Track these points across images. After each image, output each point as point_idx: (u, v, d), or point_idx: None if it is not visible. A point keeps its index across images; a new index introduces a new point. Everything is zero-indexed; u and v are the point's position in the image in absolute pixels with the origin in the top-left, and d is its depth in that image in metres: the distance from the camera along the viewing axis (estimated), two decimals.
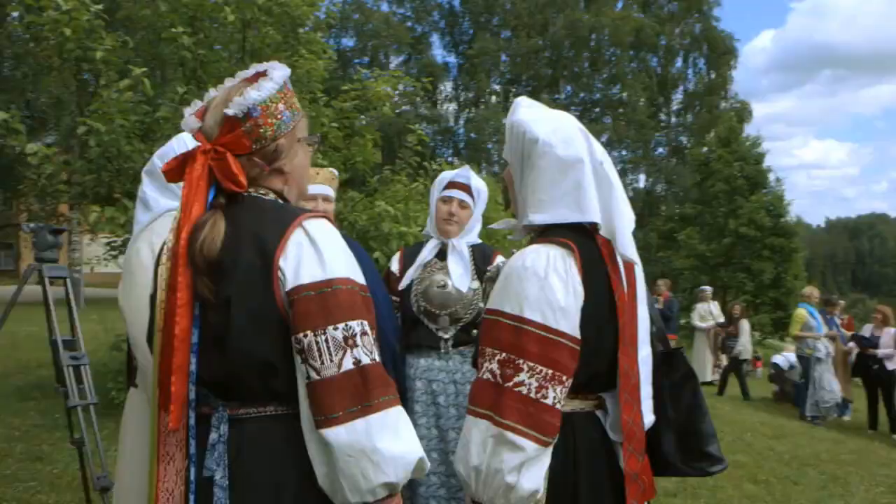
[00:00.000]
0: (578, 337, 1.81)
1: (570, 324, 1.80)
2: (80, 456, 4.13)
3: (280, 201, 1.72)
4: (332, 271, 1.55)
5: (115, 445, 5.57)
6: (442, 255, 3.38)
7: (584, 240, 1.92)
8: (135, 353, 2.13)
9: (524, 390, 1.75)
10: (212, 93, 1.72)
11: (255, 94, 1.60)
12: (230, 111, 1.59)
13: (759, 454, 7.41)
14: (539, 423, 1.74)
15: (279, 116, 1.65)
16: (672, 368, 2.20)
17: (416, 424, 3.19)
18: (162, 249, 1.69)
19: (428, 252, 3.40)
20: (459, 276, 3.27)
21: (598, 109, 42.63)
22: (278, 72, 1.69)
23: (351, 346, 1.50)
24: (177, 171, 1.65)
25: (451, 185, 3.43)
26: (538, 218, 1.97)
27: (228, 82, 1.72)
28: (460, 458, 1.82)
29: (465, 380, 3.20)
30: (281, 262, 1.54)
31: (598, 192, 1.95)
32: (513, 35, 42.14)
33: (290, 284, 1.53)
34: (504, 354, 1.78)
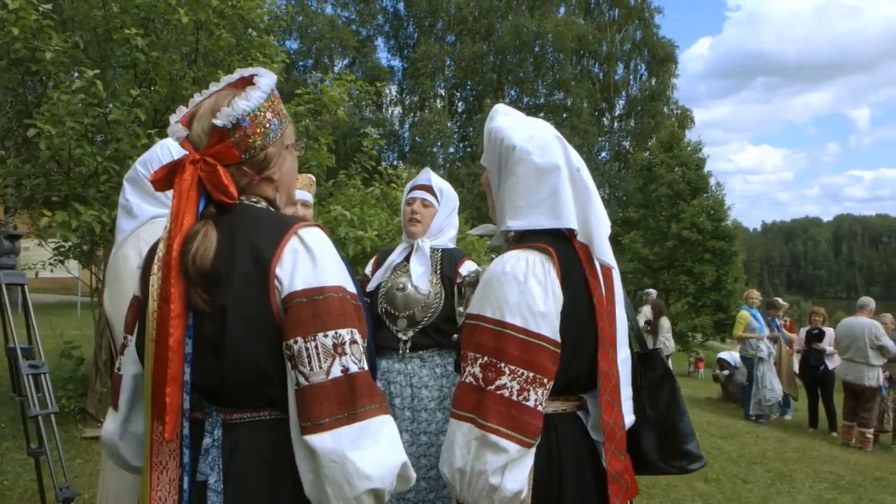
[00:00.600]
0: (558, 340, 1.85)
1: (550, 327, 1.84)
2: (38, 466, 4.04)
3: (272, 209, 1.73)
4: (325, 279, 1.56)
5: (75, 456, 5.49)
6: (410, 257, 3.41)
7: (561, 245, 1.97)
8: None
9: (506, 393, 1.78)
10: (196, 98, 1.72)
11: (243, 105, 1.61)
12: (219, 122, 1.60)
13: (709, 453, 7.58)
14: (521, 424, 1.77)
15: (267, 125, 1.66)
16: (650, 368, 2.27)
17: None
18: (151, 258, 1.67)
19: (396, 255, 3.44)
20: (419, 275, 3.29)
21: (542, 114, 43.01)
22: (265, 79, 1.69)
23: (340, 354, 1.51)
24: (165, 180, 1.65)
25: (413, 188, 3.50)
26: (515, 224, 2.01)
27: (213, 87, 1.73)
28: (445, 460, 1.84)
29: (422, 384, 3.22)
30: (277, 270, 1.55)
31: (575, 199, 2.00)
32: (457, 40, 42.29)
33: (285, 292, 1.54)
34: (486, 358, 1.82)
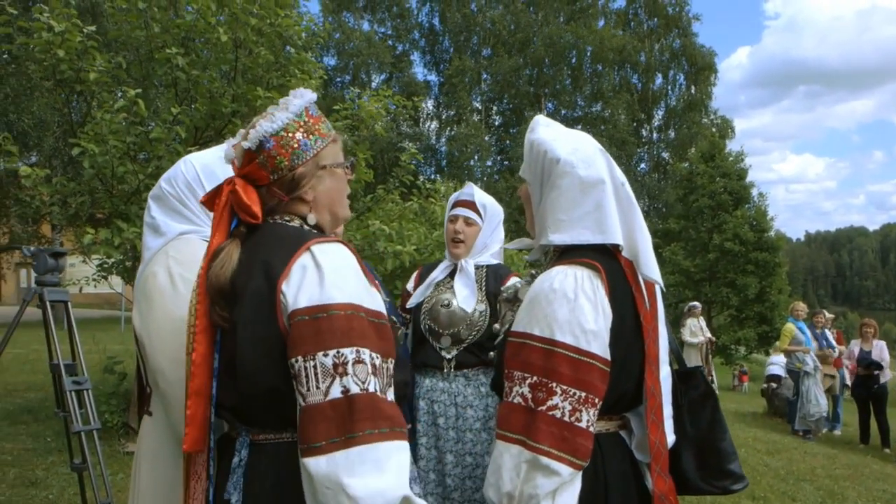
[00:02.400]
0: (609, 358, 1.80)
1: (600, 345, 1.79)
2: (81, 481, 4.08)
3: (304, 227, 1.71)
4: (332, 296, 1.50)
5: (118, 471, 5.54)
6: (454, 274, 3.36)
7: (608, 260, 1.91)
8: (155, 379, 2.09)
9: (558, 414, 1.73)
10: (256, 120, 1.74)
11: (266, 126, 1.63)
12: (245, 144, 1.63)
13: (755, 470, 7.42)
14: (574, 446, 1.72)
15: (296, 146, 1.66)
16: (691, 387, 2.20)
17: (417, 443, 3.18)
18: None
19: (439, 272, 3.39)
20: (465, 297, 3.24)
21: (579, 126, 42.86)
22: (297, 101, 1.70)
23: (340, 375, 1.44)
24: (211, 201, 1.70)
25: (456, 203, 3.43)
26: (558, 238, 1.96)
27: (271, 109, 1.73)
28: (491, 483, 1.79)
29: (467, 403, 3.17)
30: (283, 287, 1.52)
31: (620, 213, 1.95)
32: (493, 53, 42.36)
33: (290, 308, 1.51)
34: (535, 378, 1.76)
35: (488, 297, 3.25)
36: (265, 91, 6.37)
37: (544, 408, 1.74)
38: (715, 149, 30.36)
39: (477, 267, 3.34)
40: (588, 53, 40.49)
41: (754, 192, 29.39)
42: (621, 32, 43.33)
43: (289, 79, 6.92)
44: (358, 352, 1.47)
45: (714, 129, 39.19)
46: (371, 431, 1.43)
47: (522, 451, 1.73)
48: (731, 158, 29.79)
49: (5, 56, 17.05)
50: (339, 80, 39.33)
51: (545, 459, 1.70)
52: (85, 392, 3.70)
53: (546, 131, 2.06)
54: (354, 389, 1.45)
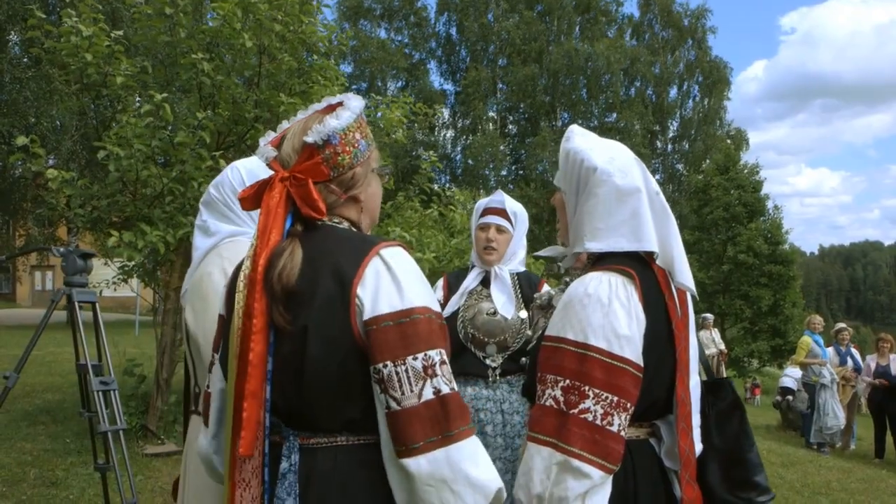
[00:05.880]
0: (642, 364, 1.81)
1: (633, 351, 1.79)
2: (104, 482, 4.11)
3: (354, 230, 1.73)
4: (411, 300, 1.54)
5: (137, 472, 5.57)
6: (486, 282, 3.36)
7: (641, 268, 1.93)
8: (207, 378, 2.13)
9: (590, 417, 1.73)
10: (285, 124, 1.74)
11: (334, 122, 1.62)
12: (310, 138, 1.61)
13: (771, 482, 7.26)
14: (605, 450, 1.72)
15: (356, 145, 1.67)
16: (719, 397, 2.21)
17: None
18: (236, 276, 1.69)
19: (472, 280, 3.39)
20: (503, 304, 3.24)
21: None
22: (355, 102, 1.70)
23: (430, 376, 1.50)
24: (253, 199, 1.66)
25: (486, 211, 3.42)
26: (595, 246, 1.97)
27: (301, 114, 1.74)
28: (521, 485, 1.79)
29: (513, 409, 3.17)
30: (359, 291, 1.54)
31: (655, 222, 1.97)
32: (509, 63, 42.40)
33: (367, 314, 1.52)
34: (568, 381, 1.77)
35: (527, 304, 3.25)
36: (288, 97, 6.41)
37: (576, 411, 1.74)
38: (729, 161, 30.32)
39: (510, 274, 3.35)
40: (603, 64, 40.40)
41: (769, 204, 29.33)
42: (635, 43, 43.32)
43: (311, 85, 6.96)
44: (441, 353, 1.54)
45: (729, 141, 39.08)
46: (463, 428, 1.51)
47: (553, 454, 1.73)
48: (745, 171, 29.74)
49: (25, 60, 17.23)
50: (354, 87, 39.47)
51: (576, 462, 1.70)
52: (112, 392, 3.74)
53: (582, 140, 2.07)
54: (445, 389, 1.52)
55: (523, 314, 3.25)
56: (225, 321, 1.74)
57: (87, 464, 6.00)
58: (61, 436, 6.89)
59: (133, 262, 6.53)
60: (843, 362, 11.34)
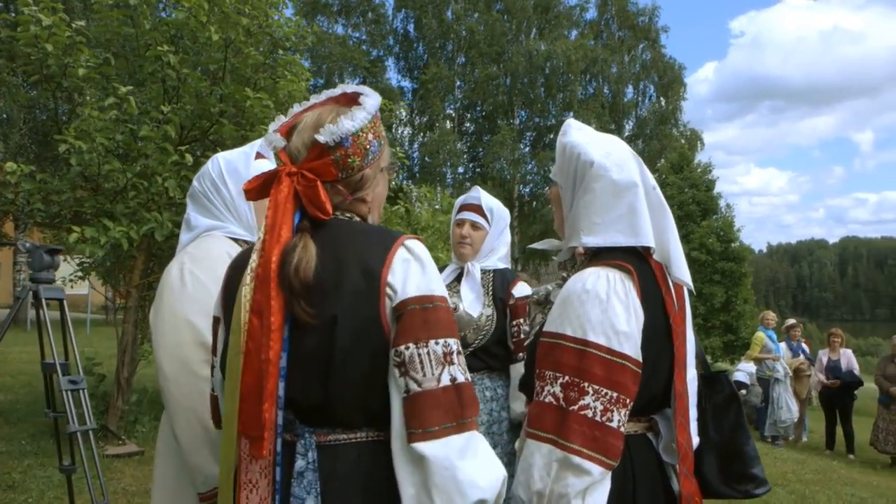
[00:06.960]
0: (640, 360, 1.81)
1: (632, 347, 1.80)
2: (69, 484, 4.00)
3: (368, 224, 1.72)
4: (434, 288, 1.56)
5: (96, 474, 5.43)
6: (460, 278, 3.36)
7: (638, 262, 1.93)
8: (157, 373, 2.12)
9: (590, 413, 1.73)
10: (295, 108, 1.70)
11: (348, 125, 1.58)
12: (321, 138, 1.57)
13: None
14: (605, 446, 1.73)
15: (367, 147, 1.63)
16: (715, 391, 2.23)
17: None
18: (232, 275, 1.67)
19: (445, 276, 3.37)
20: (471, 301, 3.23)
21: (552, 135, 42.98)
22: (371, 100, 1.66)
23: (448, 363, 1.50)
24: (258, 190, 1.63)
25: (462, 207, 3.42)
26: (591, 240, 1.97)
27: (314, 99, 1.70)
28: (521, 482, 1.79)
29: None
30: (389, 279, 1.53)
31: (652, 217, 1.98)
32: (467, 62, 42.42)
33: (398, 299, 1.52)
34: (567, 377, 1.77)
35: (495, 302, 3.24)
36: (254, 92, 6.32)
37: (576, 407, 1.74)
38: (684, 160, 30.73)
39: (484, 271, 3.34)
40: (563, 64, 40.63)
41: (722, 203, 29.80)
42: (592, 43, 43.67)
43: (277, 80, 6.87)
44: (457, 343, 1.55)
45: (683, 142, 39.65)
46: (474, 418, 1.51)
47: (553, 450, 1.73)
48: (699, 170, 30.18)
49: None
50: (312, 83, 39.14)
51: (576, 459, 1.71)
52: (81, 392, 3.64)
53: (579, 135, 2.07)
54: (460, 378, 1.51)
55: (488, 311, 3.23)
56: (223, 322, 1.70)
57: (45, 466, 5.85)
58: (16, 437, 6.70)
59: (92, 259, 6.38)
60: (794, 357, 11.61)
